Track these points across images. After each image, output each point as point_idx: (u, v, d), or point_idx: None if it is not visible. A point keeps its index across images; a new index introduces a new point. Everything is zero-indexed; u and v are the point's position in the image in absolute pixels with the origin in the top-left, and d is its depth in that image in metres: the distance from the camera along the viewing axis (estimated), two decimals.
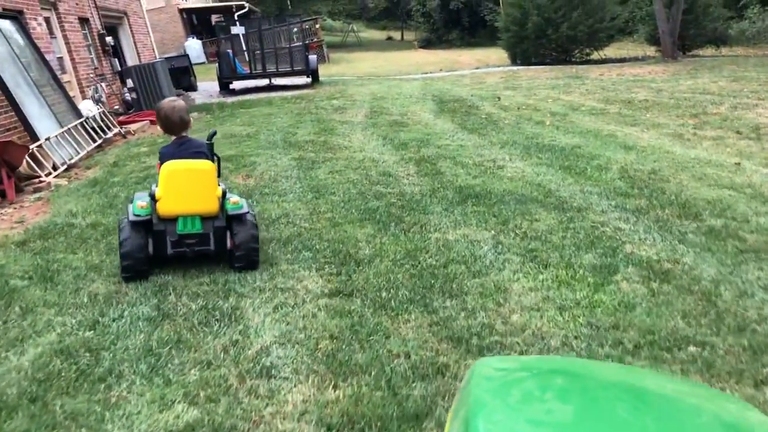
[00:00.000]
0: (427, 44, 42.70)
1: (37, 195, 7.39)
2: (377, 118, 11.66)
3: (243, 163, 7.61)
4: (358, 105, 13.42)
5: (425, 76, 22.94)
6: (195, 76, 19.62)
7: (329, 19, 47.84)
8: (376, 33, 56.42)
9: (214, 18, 31.59)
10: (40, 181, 8.15)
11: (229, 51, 18.03)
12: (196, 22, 31.44)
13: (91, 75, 13.11)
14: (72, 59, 12.54)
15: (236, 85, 18.86)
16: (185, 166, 4.08)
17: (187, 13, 30.58)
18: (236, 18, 27.30)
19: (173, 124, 4.26)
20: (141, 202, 4.11)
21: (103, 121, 11.61)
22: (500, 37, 27.06)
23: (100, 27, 14.50)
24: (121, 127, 12.09)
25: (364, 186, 6.38)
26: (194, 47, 27.99)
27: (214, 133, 4.77)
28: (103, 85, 13.57)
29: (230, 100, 15.59)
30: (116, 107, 14.16)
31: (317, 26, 31.12)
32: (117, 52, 17.31)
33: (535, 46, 24.89)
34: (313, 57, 18.05)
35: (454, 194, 6.08)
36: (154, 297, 3.90)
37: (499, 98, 14.31)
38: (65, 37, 12.44)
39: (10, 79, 9.04)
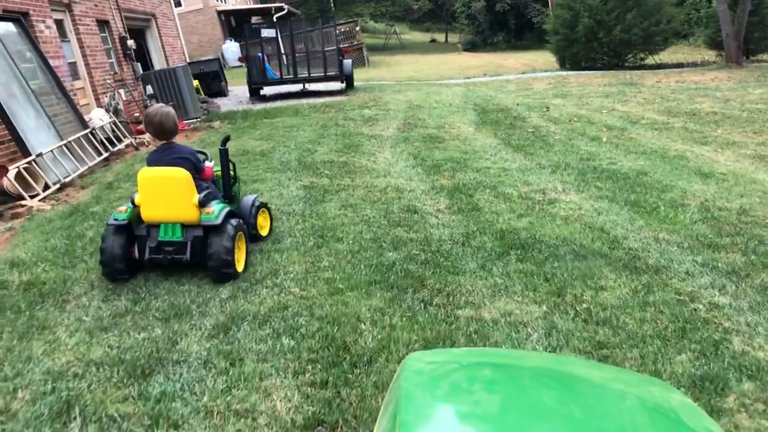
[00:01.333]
0: (471, 47, 41.15)
1: (9, 224, 6.32)
2: (411, 131, 10.36)
3: (242, 191, 6.41)
4: (391, 115, 12.15)
5: (468, 80, 21.53)
6: (226, 81, 18.66)
7: (371, 21, 46.69)
8: (419, 35, 55.10)
9: (253, 20, 30.72)
10: (22, 205, 7.12)
11: (260, 54, 16.96)
12: (234, 24, 30.61)
13: (109, 81, 12.15)
14: (87, 64, 11.59)
15: (268, 90, 17.79)
16: (158, 173, 4.06)
17: (225, 15, 29.74)
18: (275, 20, 26.38)
19: (165, 131, 4.25)
20: (122, 207, 4.22)
21: (114, 131, 10.62)
22: (548, 40, 25.42)
23: (122, 30, 13.57)
24: (135, 138, 11.08)
25: (381, 228, 5.08)
26: (232, 50, 27.11)
27: (228, 138, 4.70)
28: (122, 91, 12.60)
29: (258, 107, 14.49)
30: (137, 115, 13.19)
31: (357, 29, 29.94)
32: (144, 55, 16.43)
33: (585, 50, 23.21)
34: (347, 62, 16.83)
35: (494, 242, 4.74)
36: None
37: (547, 108, 12.86)
38: (80, 40, 11.49)
39: (1, 89, 8.05)
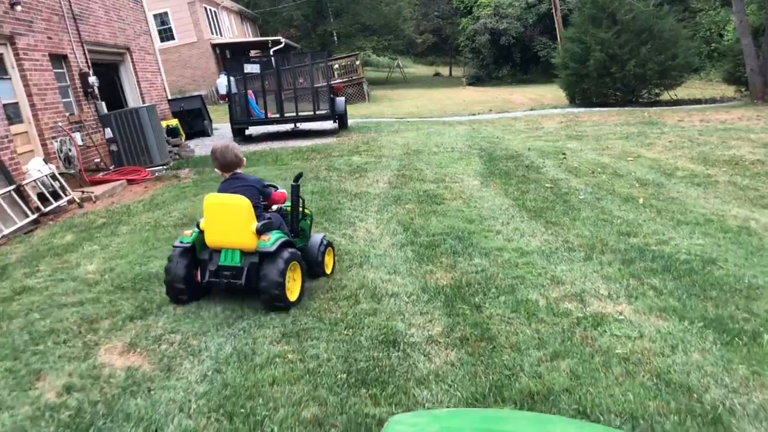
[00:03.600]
0: (476, 81, 39.53)
1: None
2: (404, 186, 8.49)
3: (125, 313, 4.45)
4: (383, 164, 10.29)
5: (473, 118, 19.74)
6: (210, 119, 16.92)
7: (374, 54, 45.24)
8: (423, 68, 53.75)
9: (252, 53, 29.17)
10: None
11: (247, 92, 15.22)
12: (230, 57, 29.08)
13: (60, 123, 10.36)
14: (32, 105, 9.81)
15: (255, 130, 16.03)
16: (221, 200, 4.15)
17: (220, 49, 28.16)
18: (271, 53, 24.77)
19: (227, 164, 4.35)
20: (187, 231, 4.33)
21: (53, 185, 8.79)
22: (557, 75, 23.65)
23: (83, 65, 11.83)
24: (83, 192, 9.25)
25: (335, 393, 3.03)
26: (225, 84, 25.46)
27: (300, 175, 4.76)
28: (77, 135, 10.81)
29: None
30: (97, 161, 11.39)
31: (357, 63, 28.32)
32: (119, 93, 14.71)
33: (597, 85, 21.38)
34: (340, 99, 15.04)
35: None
36: None
37: (564, 155, 10.99)
38: (24, 77, 9.72)
39: None
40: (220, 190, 4.33)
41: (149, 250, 5.67)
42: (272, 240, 4.10)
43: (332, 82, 17.86)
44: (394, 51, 45.11)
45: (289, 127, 16.27)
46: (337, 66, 28.39)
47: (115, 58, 14.38)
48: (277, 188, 4.69)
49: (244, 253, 4.15)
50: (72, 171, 10.25)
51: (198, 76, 26.65)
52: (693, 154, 10.85)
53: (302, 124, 15.88)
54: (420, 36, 50.61)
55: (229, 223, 4.12)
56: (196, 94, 17.74)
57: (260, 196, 4.34)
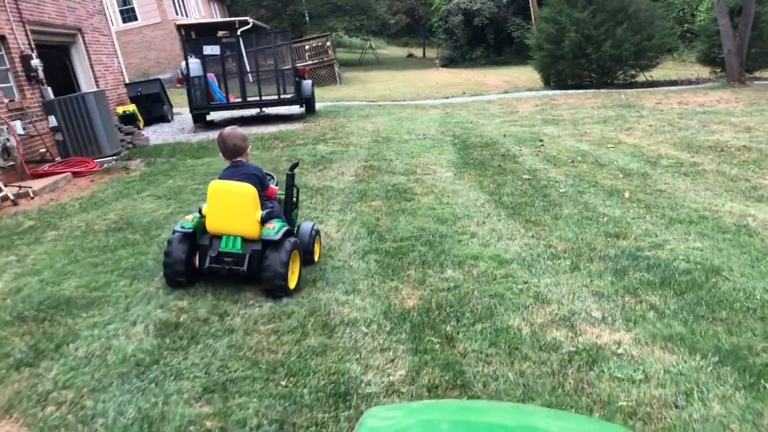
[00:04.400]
0: (449, 62, 38.64)
1: None
2: (372, 179, 7.73)
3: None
4: (350, 153, 9.51)
5: (446, 101, 18.97)
6: (170, 104, 15.91)
7: (346, 35, 44.00)
8: (397, 50, 52.70)
9: (219, 34, 27.93)
10: None
11: (209, 75, 14.27)
12: (191, 38, 27.80)
13: None
14: None
15: (219, 115, 15.08)
16: (227, 187, 4.12)
17: (185, 30, 26.87)
18: (238, 34, 23.65)
19: (228, 150, 4.36)
20: (189, 216, 4.26)
21: None
22: (531, 56, 22.94)
23: (25, 47, 10.79)
24: (19, 188, 8.33)
25: None
26: (193, 67, 24.28)
27: (296, 164, 4.77)
28: (17, 123, 9.82)
29: (196, 138, 11.80)
30: (42, 151, 10.42)
31: (328, 44, 27.26)
32: (71, 77, 13.65)
33: (572, 67, 20.71)
34: (307, 83, 14.12)
35: None
36: None
37: (541, 141, 10.30)
38: None
39: None
40: (221, 178, 4.29)
41: (69, 264, 4.85)
42: (277, 228, 4.11)
43: (298, 64, 16.93)
44: (367, 32, 43.91)
45: (254, 111, 15.35)
46: (308, 47, 27.34)
47: (65, 40, 13.28)
48: (273, 178, 4.70)
49: (245, 240, 4.13)
50: (12, 163, 9.29)
51: (162, 59, 25.40)
52: (675, 139, 10.25)
53: (268, 108, 14.97)
54: (393, 17, 49.43)
55: (234, 210, 4.10)
56: (154, 78, 16.66)
57: (260, 185, 4.30)
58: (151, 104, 14.82)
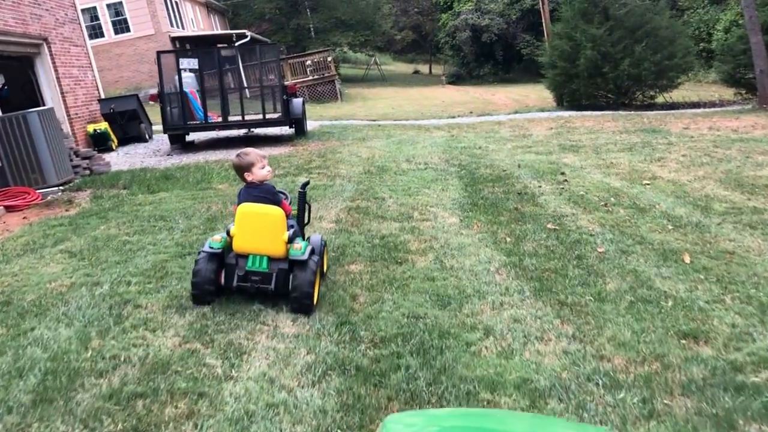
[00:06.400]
0: (456, 79, 37.06)
1: None
2: (356, 228, 6.03)
3: None
4: (336, 188, 7.82)
5: (452, 121, 17.32)
6: (149, 122, 14.30)
7: (350, 51, 42.48)
8: (402, 66, 51.21)
9: (219, 47, 26.42)
10: None
11: (189, 91, 12.68)
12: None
13: None
14: None
15: (200, 136, 13.46)
16: (257, 210, 4.18)
17: (180, 42, 25.39)
18: (235, 46, 22.12)
19: (235, 169, 4.40)
20: (217, 236, 4.29)
21: None
22: (543, 74, 21.30)
23: None
24: None
25: None
26: (187, 81, 22.74)
27: (308, 182, 4.84)
28: None
29: (165, 164, 10.15)
30: None
31: (329, 59, 25.69)
32: (34, 93, 12.09)
33: (587, 86, 19.06)
34: (297, 101, 12.47)
35: None
36: None
37: (563, 174, 8.62)
38: None
39: None
40: (242, 198, 4.29)
41: None
42: (303, 248, 4.14)
43: (296, 80, 15.32)
44: (372, 47, 42.43)
45: (241, 132, 13.73)
46: (309, 62, 25.81)
47: (28, 50, 11.73)
48: (286, 197, 4.58)
49: (271, 259, 4.16)
50: None
51: (156, 72, 23.87)
52: (719, 174, 8.54)
53: (257, 129, 13.36)
54: (399, 33, 47.99)
55: (263, 232, 4.15)
56: (131, 93, 15.04)
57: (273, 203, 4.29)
58: (127, 122, 13.22)
